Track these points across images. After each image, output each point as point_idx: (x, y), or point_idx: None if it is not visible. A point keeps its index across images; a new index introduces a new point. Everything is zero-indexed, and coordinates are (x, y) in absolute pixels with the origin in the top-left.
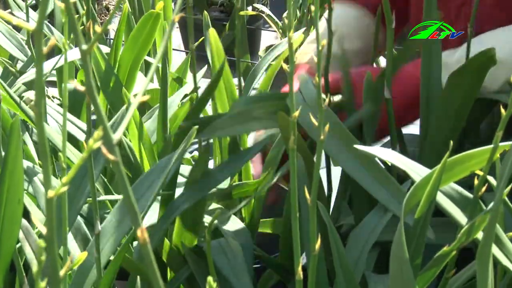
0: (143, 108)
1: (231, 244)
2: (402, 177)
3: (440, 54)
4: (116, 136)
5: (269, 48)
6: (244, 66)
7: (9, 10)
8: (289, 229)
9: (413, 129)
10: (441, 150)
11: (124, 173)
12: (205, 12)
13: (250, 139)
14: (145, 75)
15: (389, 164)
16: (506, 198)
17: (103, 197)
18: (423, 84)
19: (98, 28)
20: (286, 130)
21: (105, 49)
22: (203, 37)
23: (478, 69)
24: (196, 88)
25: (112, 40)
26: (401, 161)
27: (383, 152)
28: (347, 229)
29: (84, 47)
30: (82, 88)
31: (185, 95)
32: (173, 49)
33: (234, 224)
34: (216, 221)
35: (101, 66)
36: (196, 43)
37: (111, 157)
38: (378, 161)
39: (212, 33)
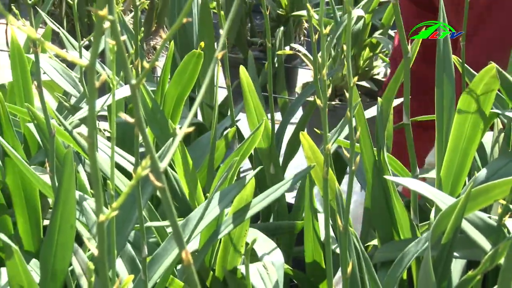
0: (189, 139)
1: (268, 268)
2: (421, 206)
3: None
4: (163, 165)
5: (305, 85)
6: (282, 102)
7: (65, 50)
8: (313, 253)
9: None
10: (457, 177)
11: (170, 200)
12: (250, 52)
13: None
14: (190, 110)
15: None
16: None
17: (150, 223)
18: (438, 115)
19: (146, 64)
20: (315, 160)
21: (152, 85)
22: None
23: (485, 90)
24: (234, 123)
25: (158, 77)
26: (428, 190)
27: (411, 182)
28: (373, 249)
29: (133, 81)
30: (131, 119)
31: (226, 128)
32: (219, 87)
33: (270, 247)
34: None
35: (147, 103)
36: (237, 81)
37: (158, 184)
38: None
39: (243, 72)
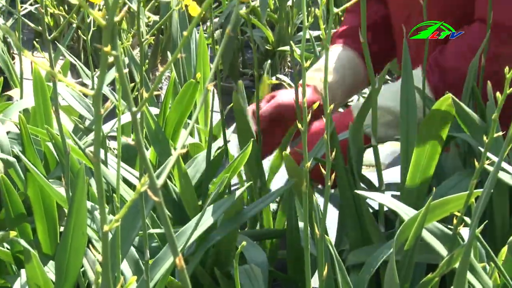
0: (186, 157)
1: (254, 270)
2: (388, 217)
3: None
4: (160, 182)
5: None
6: None
7: (81, 79)
8: (294, 256)
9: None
10: (419, 192)
11: (165, 211)
12: (240, 81)
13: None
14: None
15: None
16: (479, 235)
17: (152, 230)
18: (403, 136)
19: (145, 94)
20: (296, 176)
21: (156, 110)
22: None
23: (443, 114)
24: (225, 143)
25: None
26: (393, 204)
27: (379, 196)
28: (346, 254)
29: (134, 109)
30: (132, 142)
31: (218, 148)
32: (214, 111)
33: (256, 251)
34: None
35: (151, 125)
36: (229, 106)
37: (155, 198)
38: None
39: (235, 98)
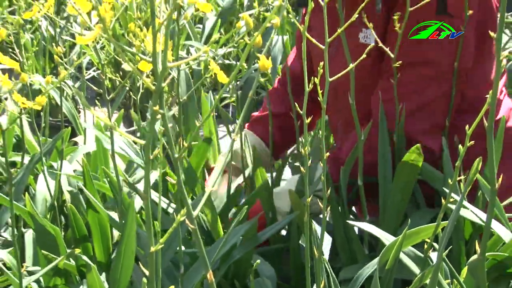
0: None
1: (265, 282)
2: (370, 242)
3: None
4: (195, 213)
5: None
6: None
7: (133, 128)
8: (296, 271)
9: None
10: (396, 217)
11: (199, 236)
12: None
13: None
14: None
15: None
16: (445, 257)
17: (185, 250)
18: (380, 173)
19: (185, 143)
20: (299, 208)
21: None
22: None
23: (413, 161)
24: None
25: None
26: (376, 231)
27: (365, 225)
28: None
29: (176, 155)
30: (173, 181)
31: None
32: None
33: (266, 267)
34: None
35: (184, 164)
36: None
37: (191, 226)
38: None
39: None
